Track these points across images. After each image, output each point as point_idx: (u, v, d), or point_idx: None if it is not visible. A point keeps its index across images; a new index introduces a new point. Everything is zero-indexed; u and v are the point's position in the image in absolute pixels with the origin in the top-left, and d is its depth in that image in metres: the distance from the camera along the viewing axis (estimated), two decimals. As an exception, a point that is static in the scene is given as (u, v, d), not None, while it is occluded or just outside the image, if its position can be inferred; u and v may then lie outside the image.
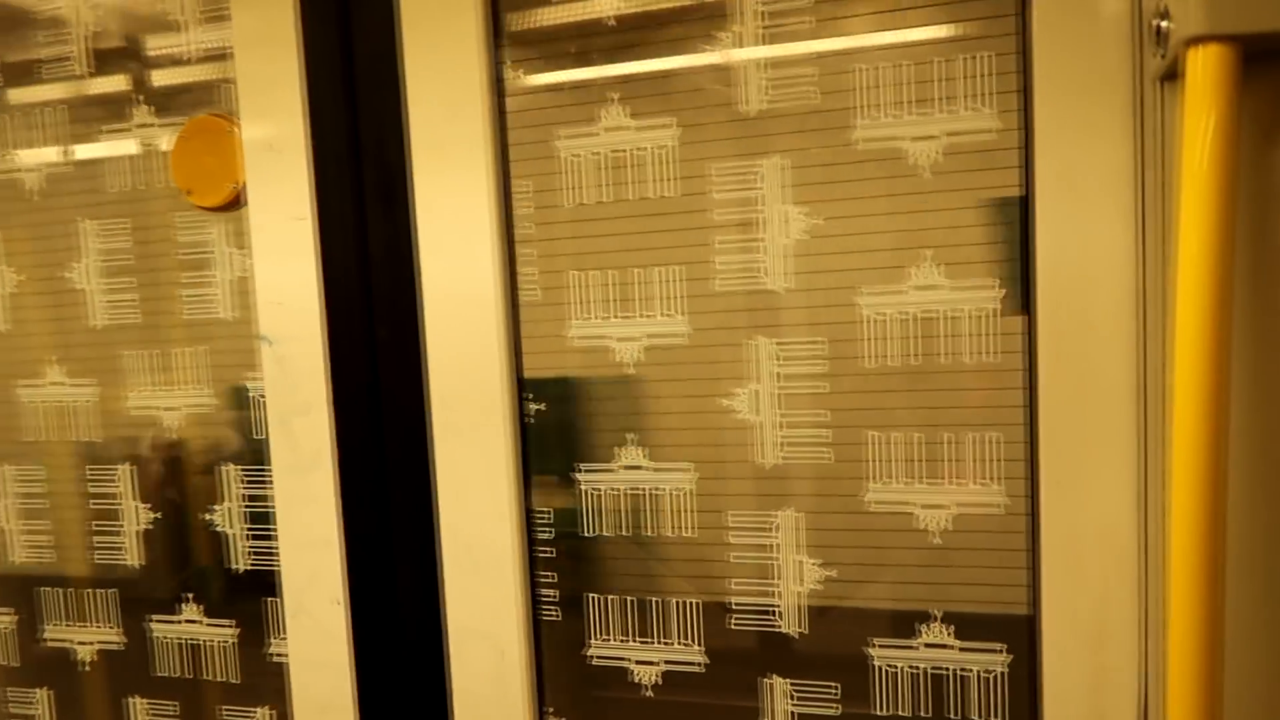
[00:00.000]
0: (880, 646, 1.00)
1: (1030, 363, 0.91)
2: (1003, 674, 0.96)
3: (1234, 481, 0.74)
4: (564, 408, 1.08)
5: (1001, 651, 0.96)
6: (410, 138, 1.07)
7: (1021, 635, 0.95)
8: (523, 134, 1.06)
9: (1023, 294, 0.91)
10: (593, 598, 1.09)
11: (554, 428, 1.09)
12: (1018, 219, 0.91)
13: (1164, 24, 0.74)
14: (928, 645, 0.98)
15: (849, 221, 0.97)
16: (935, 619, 0.98)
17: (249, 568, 1.21)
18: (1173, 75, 0.76)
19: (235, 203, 1.15)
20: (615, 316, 1.05)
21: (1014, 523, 0.95)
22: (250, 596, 1.21)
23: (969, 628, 0.97)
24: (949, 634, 0.98)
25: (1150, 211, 0.84)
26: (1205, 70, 0.68)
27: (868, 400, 0.98)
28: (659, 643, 1.07)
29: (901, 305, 0.96)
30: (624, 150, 1.03)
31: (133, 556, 1.26)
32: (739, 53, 0.99)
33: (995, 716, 0.97)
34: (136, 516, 1.26)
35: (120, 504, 1.26)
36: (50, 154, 1.25)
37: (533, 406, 1.08)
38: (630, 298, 1.04)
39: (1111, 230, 0.86)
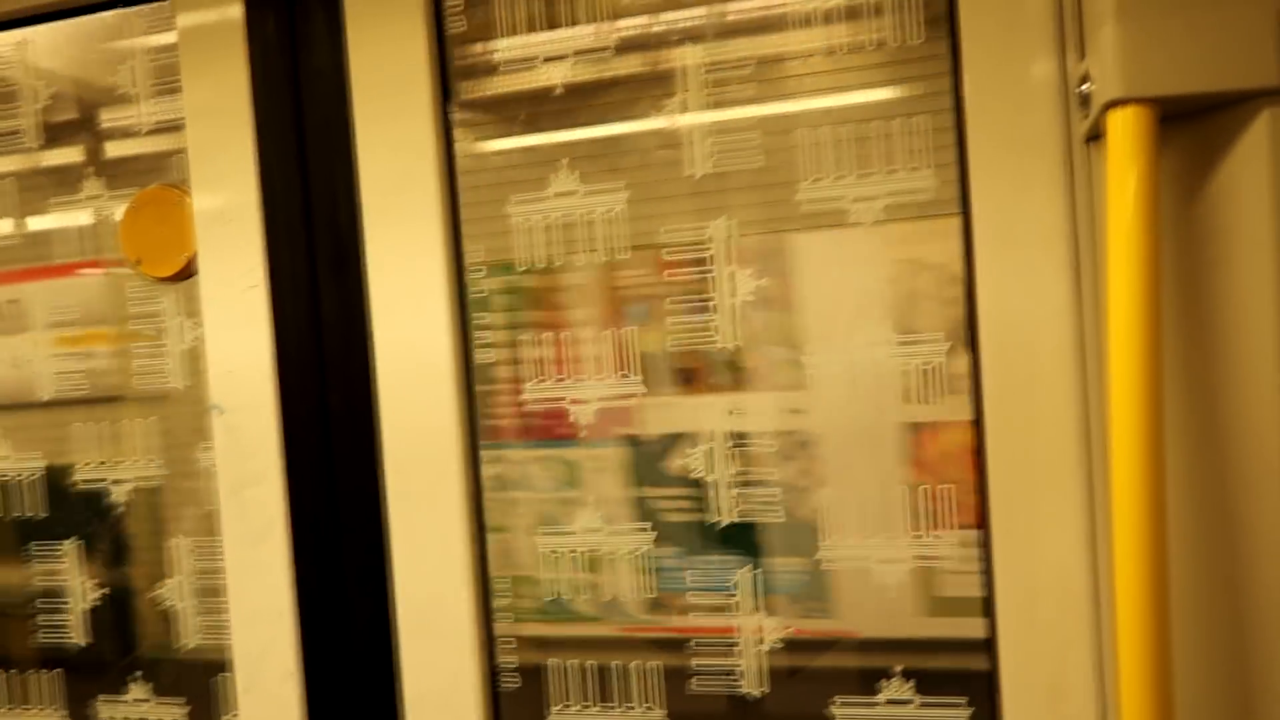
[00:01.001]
0: (842, 704, 0.99)
1: (978, 413, 0.92)
2: (965, 729, 0.96)
3: (1174, 517, 0.75)
4: (521, 470, 1.08)
5: (963, 705, 0.96)
6: (362, 204, 1.07)
7: (982, 688, 0.95)
8: (474, 198, 1.07)
9: (971, 347, 0.93)
10: (553, 664, 1.07)
11: (511, 491, 1.08)
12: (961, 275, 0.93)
13: (1086, 87, 0.77)
14: (890, 701, 0.98)
15: (795, 280, 0.98)
16: (895, 675, 0.98)
17: (200, 643, 1.18)
18: (1097, 136, 0.79)
19: (186, 272, 1.15)
20: (570, 378, 1.05)
21: (970, 574, 0.95)
22: (201, 673, 1.18)
23: (930, 682, 0.97)
24: (910, 689, 0.97)
25: (1085, 264, 0.86)
26: (1125, 131, 0.71)
27: (820, 456, 0.99)
28: (621, 707, 1.05)
29: (850, 362, 0.97)
30: (574, 213, 1.05)
31: (79, 635, 1.23)
32: (685, 118, 1.01)
33: (959, 773, 0.96)
34: (83, 594, 1.22)
35: (66, 581, 1.23)
36: (-1, 226, 1.24)
37: (489, 470, 1.08)
38: (584, 359, 1.05)
39: (1050, 283, 0.88)
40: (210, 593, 1.17)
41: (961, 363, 0.94)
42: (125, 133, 1.19)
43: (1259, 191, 0.72)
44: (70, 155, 1.22)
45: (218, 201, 1.11)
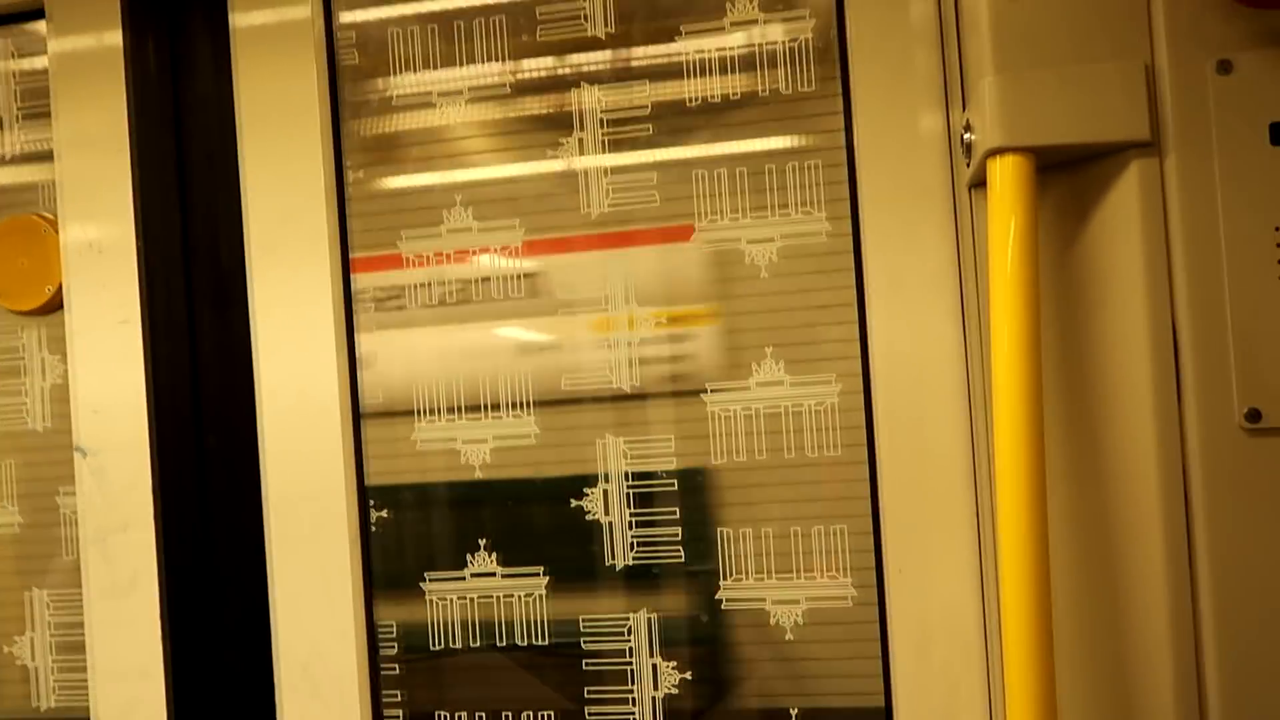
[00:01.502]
0: (740, 749, 0.98)
1: (871, 454, 0.93)
2: (861, 769, 0.96)
3: (1056, 555, 0.77)
4: (410, 514, 1.04)
5: (858, 745, 0.96)
6: (249, 240, 1.03)
7: (878, 728, 0.95)
8: (365, 236, 1.05)
9: (864, 388, 0.94)
10: (442, 715, 1.03)
11: (400, 536, 1.04)
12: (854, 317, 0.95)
13: (969, 137, 0.80)
14: (787, 745, 0.97)
15: (692, 320, 0.99)
16: (793, 716, 0.97)
17: (56, 704, 1.10)
18: (980, 183, 0.82)
19: (52, 305, 1.08)
20: (462, 419, 1.03)
21: (864, 614, 0.96)
22: (58, 738, 1.10)
23: (827, 722, 0.97)
24: (807, 732, 0.97)
25: (970, 307, 0.89)
26: (1005, 178, 0.74)
27: (718, 497, 0.98)
28: (513, 760, 1.02)
29: (746, 401, 0.97)
30: (468, 250, 1.03)
31: (-82, 699, 1.12)
32: (581, 160, 1.01)
33: (854, 813, 0.96)
34: (-76, 653, 1.13)
35: (-95, 639, 1.13)
36: None
37: (376, 514, 1.04)
38: (477, 399, 1.03)
39: (938, 326, 0.90)
40: (70, 649, 1.09)
41: (856, 403, 0.95)
42: (-12, 158, 1.12)
43: (1130, 239, 0.75)
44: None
45: (90, 232, 1.05)
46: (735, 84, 0.98)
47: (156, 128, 1.07)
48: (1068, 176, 0.79)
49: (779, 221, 0.97)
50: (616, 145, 1.00)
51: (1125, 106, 0.74)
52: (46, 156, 1.09)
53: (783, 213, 0.97)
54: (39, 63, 1.10)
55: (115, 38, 1.05)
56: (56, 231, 1.07)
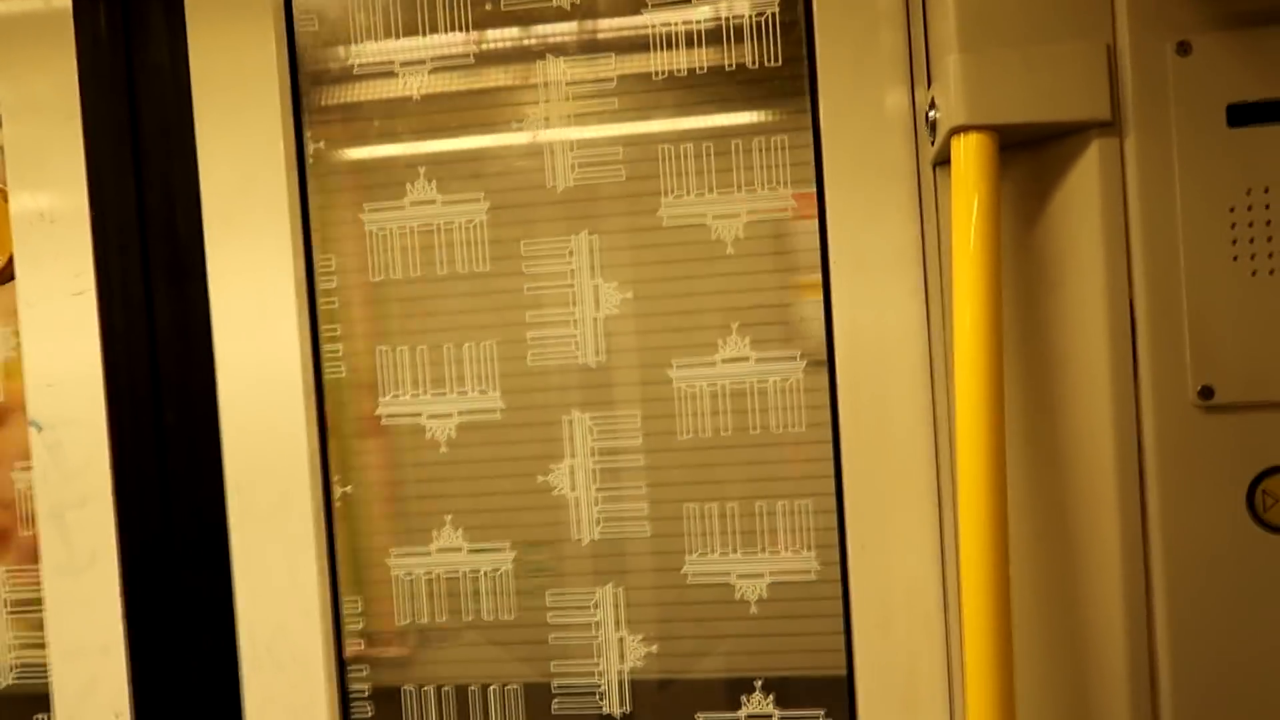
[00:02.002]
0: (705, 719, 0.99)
1: (835, 430, 0.94)
2: (823, 739, 0.98)
3: (1014, 531, 0.78)
4: (374, 489, 1.03)
5: (820, 716, 0.97)
6: (206, 210, 1.01)
7: (840, 697, 0.97)
8: (326, 207, 1.03)
9: (828, 364, 0.95)
10: (408, 690, 1.03)
11: (363, 511, 1.04)
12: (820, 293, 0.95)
13: (933, 114, 0.81)
14: (751, 716, 0.99)
15: (658, 296, 0.99)
16: (757, 687, 0.99)
17: (14, 681, 1.08)
18: (944, 161, 0.83)
19: (3, 277, 1.05)
20: (427, 393, 1.02)
21: (827, 588, 0.97)
22: (17, 714, 1.08)
23: (789, 693, 0.98)
24: (770, 702, 0.98)
25: (933, 286, 0.90)
26: (968, 156, 0.74)
27: (683, 473, 0.99)
28: (479, 732, 1.02)
29: (712, 377, 0.98)
30: (432, 224, 1.02)
31: None
32: (547, 132, 1.00)
33: (816, 782, 0.98)
34: (-125, 632, 1.10)
35: None
36: None
37: (340, 489, 1.03)
38: (441, 374, 1.02)
39: (901, 304, 0.91)
40: (28, 625, 1.08)
41: (820, 379, 0.96)
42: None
43: (1090, 218, 0.76)
44: None
45: (40, 201, 1.02)
46: (702, 58, 0.97)
47: (108, 94, 1.04)
48: (1030, 155, 0.79)
49: (745, 197, 0.96)
50: (582, 119, 0.99)
51: (1086, 86, 0.74)
52: (-6, 123, 1.06)
53: (749, 189, 0.96)
54: (-16, 25, 1.06)
55: (63, 1, 1.02)
56: (5, 200, 1.04)
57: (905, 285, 0.91)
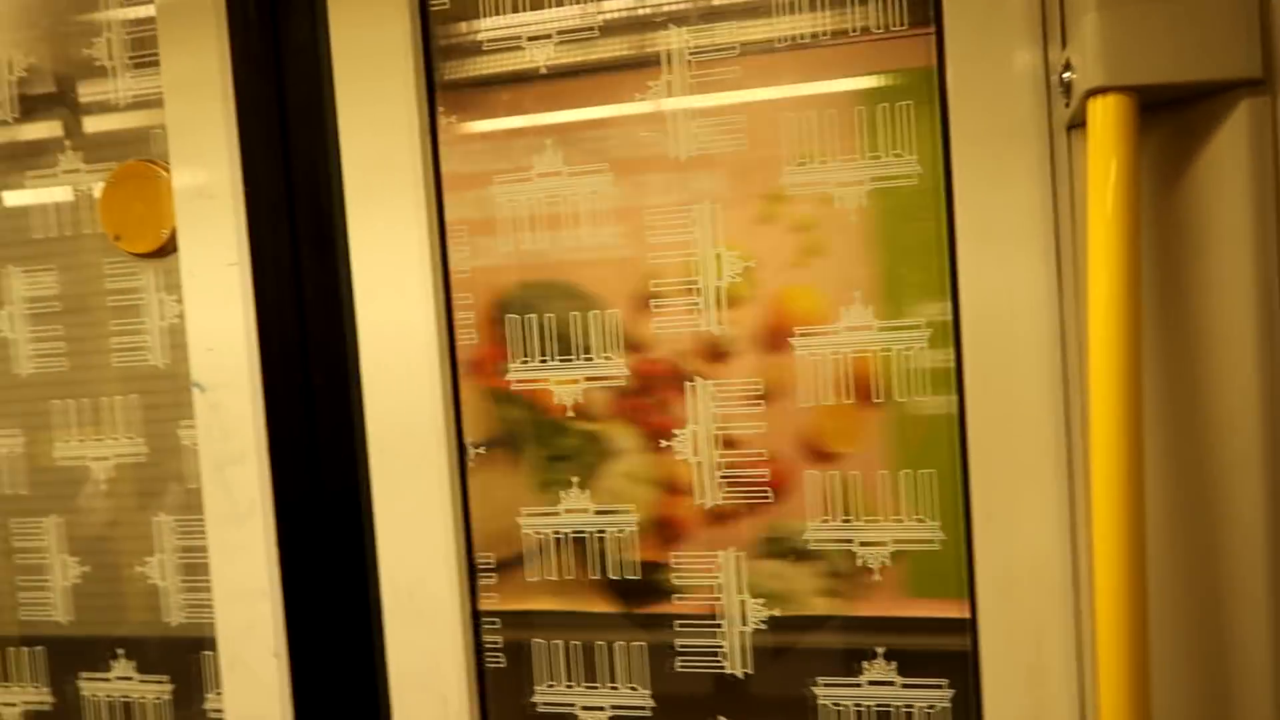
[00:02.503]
0: (825, 685, 1.00)
1: (960, 399, 0.93)
2: (946, 709, 0.97)
3: (1152, 506, 0.77)
4: (504, 451, 1.08)
5: (944, 687, 0.97)
6: (344, 182, 1.07)
7: (964, 670, 0.97)
8: (457, 179, 1.07)
9: (954, 333, 0.94)
10: (537, 643, 1.08)
11: (495, 471, 1.08)
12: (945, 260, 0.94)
13: (1068, 76, 0.78)
14: (871, 683, 0.99)
15: (780, 263, 0.99)
16: (878, 656, 0.99)
17: (184, 621, 1.18)
18: (1079, 124, 0.80)
19: (167, 248, 1.14)
20: (554, 359, 1.06)
21: (951, 557, 0.96)
22: (185, 651, 1.18)
23: (912, 664, 0.99)
24: (892, 670, 0.99)
25: (1066, 253, 0.87)
26: (1106, 119, 0.72)
27: (805, 439, 1.00)
28: (605, 687, 1.06)
29: (835, 345, 0.98)
30: (559, 195, 1.04)
31: (60, 612, 1.23)
32: (670, 101, 1.01)
33: (938, 750, 0.98)
34: (65, 571, 1.22)
35: (47, 558, 1.23)
36: (-26, 201, 1.22)
37: (473, 450, 1.08)
38: (568, 341, 1.05)
39: (1031, 271, 0.89)
40: (193, 570, 1.17)
41: (945, 347, 0.95)
42: (103, 107, 1.17)
43: (1238, 181, 0.73)
44: (47, 129, 1.20)
45: (198, 177, 1.10)
46: (824, 22, 0.96)
47: (256, 74, 1.10)
48: (1172, 117, 0.76)
49: (868, 164, 0.95)
50: (704, 87, 1.00)
51: (1236, 43, 0.70)
52: (158, 103, 1.14)
53: (872, 155, 0.95)
54: (148, 10, 1.14)
55: (215, -14, 1.08)
56: (168, 177, 1.12)
57: (1035, 252, 0.88)
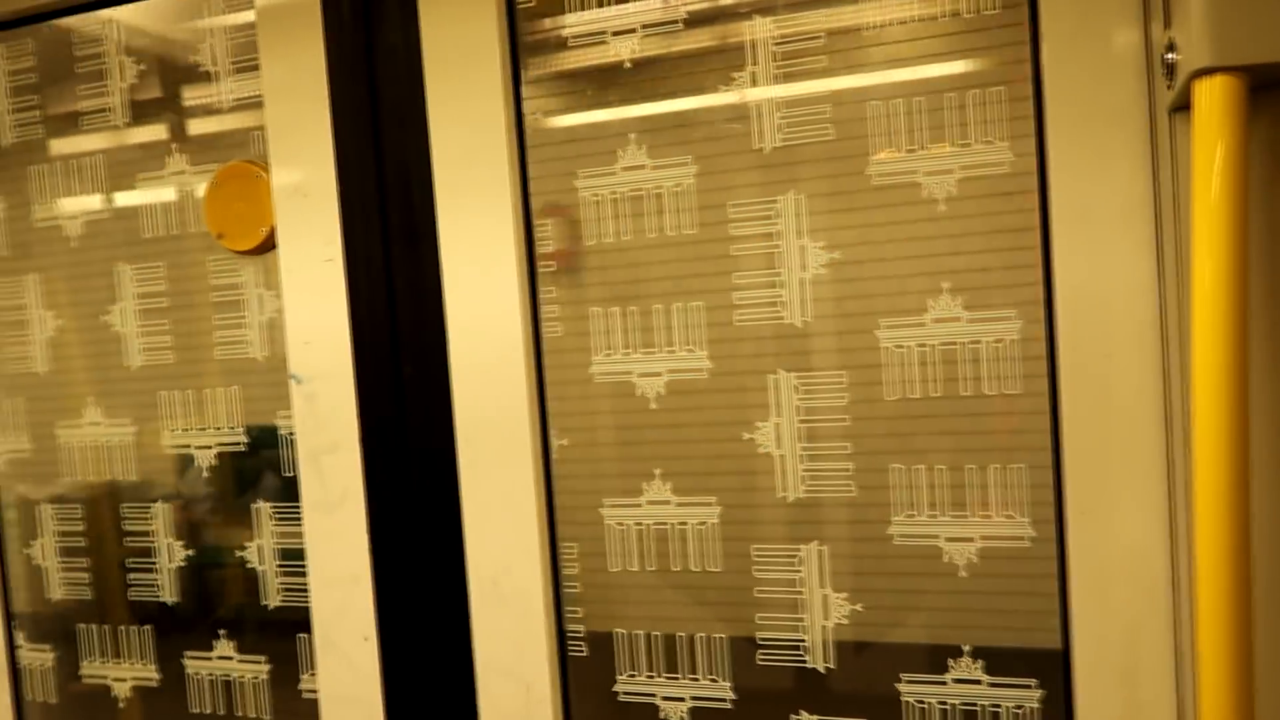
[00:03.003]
0: (909, 682, 0.99)
1: (1053, 391, 0.91)
2: (1035, 710, 0.95)
3: (1257, 503, 0.73)
4: (588, 442, 1.09)
5: (1033, 686, 0.95)
6: (436, 179, 1.09)
7: (1053, 670, 0.94)
8: (543, 173, 1.08)
9: (1046, 324, 0.91)
10: (620, 633, 1.09)
11: (579, 462, 1.10)
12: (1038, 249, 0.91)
13: (1172, 56, 0.75)
14: (957, 680, 0.98)
15: (866, 255, 0.98)
16: (964, 654, 0.97)
17: (281, 604, 1.23)
18: (1183, 106, 0.77)
19: (266, 245, 1.18)
20: (637, 352, 1.06)
21: (1042, 554, 0.94)
22: (282, 633, 1.23)
23: (999, 662, 0.96)
24: (979, 669, 0.97)
25: (1167, 239, 0.84)
26: (1212, 101, 0.69)
27: (890, 433, 0.98)
28: (686, 679, 1.07)
29: (921, 337, 0.96)
30: (642, 188, 1.05)
31: (167, 593, 1.28)
32: (754, 92, 1.00)
33: (1027, 752, 0.95)
34: (170, 554, 1.28)
35: (155, 541, 1.29)
36: (89, 202, 1.29)
37: (557, 441, 1.10)
38: (651, 333, 1.06)
39: (1130, 259, 0.86)
40: (291, 555, 1.21)
41: (1037, 339, 0.92)
42: (206, 110, 1.22)
43: (1356, 164, 0.69)
44: (155, 132, 1.26)
45: (296, 176, 1.14)
46: (912, 6, 0.95)
47: (351, 75, 1.13)
48: (1282, 97, 0.72)
49: (958, 152, 0.94)
50: (789, 77, 0.99)
51: (1356, 18, 0.67)
52: (258, 105, 1.18)
53: (962, 143, 0.93)
54: (248, 16, 1.18)
55: (312, -10, 1.12)
56: (268, 176, 1.16)
57: (1135, 240, 0.85)
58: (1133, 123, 0.84)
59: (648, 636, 1.08)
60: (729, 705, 1.05)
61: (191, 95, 1.23)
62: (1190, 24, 0.70)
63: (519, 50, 1.08)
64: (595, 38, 1.06)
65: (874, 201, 0.97)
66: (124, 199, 1.28)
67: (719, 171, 1.02)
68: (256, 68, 1.16)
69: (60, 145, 1.29)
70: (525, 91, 1.09)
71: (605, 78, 1.06)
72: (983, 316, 0.94)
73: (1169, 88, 0.78)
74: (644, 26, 1.04)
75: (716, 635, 1.05)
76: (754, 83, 1.00)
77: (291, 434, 1.17)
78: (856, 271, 0.98)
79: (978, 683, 0.97)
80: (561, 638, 1.10)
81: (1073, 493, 0.89)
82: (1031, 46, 0.90)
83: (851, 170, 0.97)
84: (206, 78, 1.21)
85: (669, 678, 1.07)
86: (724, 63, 1.01)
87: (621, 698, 1.09)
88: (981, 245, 0.94)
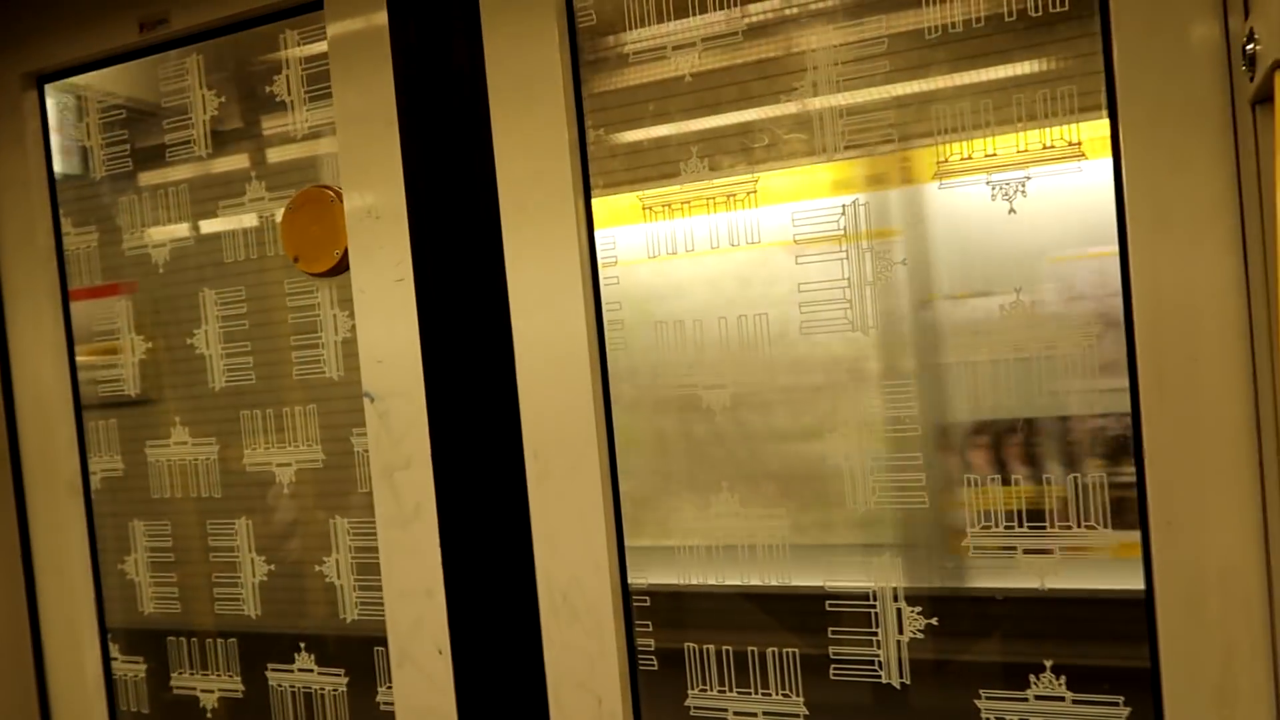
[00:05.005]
0: (988, 698, 0.96)
1: (1134, 399, 0.88)
2: (1122, 728, 0.92)
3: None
4: (656, 457, 1.09)
5: (1119, 704, 0.91)
6: (501, 199, 1.11)
7: (1141, 688, 0.90)
8: (606, 189, 1.09)
9: (1126, 328, 0.88)
10: (690, 647, 1.08)
11: (646, 477, 1.09)
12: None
13: (1252, 47, 0.72)
14: (1039, 697, 0.94)
15: (933, 261, 0.96)
16: (1046, 670, 0.94)
17: (358, 617, 1.25)
18: (1266, 98, 0.74)
19: (340, 267, 1.21)
20: (702, 364, 1.06)
21: (1125, 567, 0.90)
22: (359, 646, 1.25)
23: (1083, 679, 0.93)
24: (1061, 685, 0.94)
25: (1252, 237, 0.81)
26: (1295, 92, 0.66)
27: (962, 444, 0.96)
28: (758, 693, 1.05)
29: (994, 345, 0.94)
30: (705, 200, 1.05)
31: (251, 607, 1.32)
32: (816, 100, 0.99)
33: (1116, 773, 0.92)
34: (253, 568, 1.32)
35: (239, 556, 1.32)
36: (174, 229, 1.34)
37: (624, 459, 1.10)
38: (716, 346, 1.05)
39: (1213, 260, 0.83)
40: (367, 570, 1.24)
41: (1115, 346, 0.89)
42: (283, 139, 1.26)
43: None
44: (235, 162, 1.31)
45: (367, 199, 1.16)
46: (977, 7, 0.93)
47: (419, 98, 1.16)
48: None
49: (1028, 153, 0.91)
50: (850, 84, 0.98)
51: None
52: (331, 131, 1.22)
53: (1032, 143, 0.91)
54: (320, 48, 1.22)
55: (381, 18, 1.14)
56: (340, 200, 1.19)
57: (1217, 237, 0.82)
58: (1212, 117, 0.81)
59: (719, 650, 1.07)
60: (802, 721, 1.04)
61: (269, 124, 1.27)
62: (1271, 12, 0.67)
63: (580, 68, 1.10)
64: (656, 53, 1.07)
65: (940, 203, 0.95)
66: (207, 226, 1.33)
67: (782, 178, 1.02)
68: (329, 95, 1.20)
69: (147, 176, 1.35)
70: (587, 109, 1.10)
71: (666, 90, 1.07)
72: (1057, 320, 0.91)
73: (1250, 79, 0.75)
74: (704, 40, 1.04)
75: (788, 650, 1.04)
76: (815, 91, 0.99)
77: (366, 451, 1.19)
78: (924, 277, 0.96)
79: (1061, 699, 0.93)
80: (632, 651, 1.10)
81: (1156, 504, 0.86)
82: (1103, 41, 0.87)
83: (916, 173, 0.96)
84: (283, 107, 1.25)
85: (741, 692, 1.06)
86: (785, 71, 1.01)
87: (693, 712, 1.08)
88: (1053, 247, 0.91)
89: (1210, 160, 0.82)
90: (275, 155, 1.28)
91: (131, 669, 1.40)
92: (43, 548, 1.41)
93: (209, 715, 1.36)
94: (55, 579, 1.41)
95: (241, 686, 1.34)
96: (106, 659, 1.41)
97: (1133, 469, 0.89)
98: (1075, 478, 0.92)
